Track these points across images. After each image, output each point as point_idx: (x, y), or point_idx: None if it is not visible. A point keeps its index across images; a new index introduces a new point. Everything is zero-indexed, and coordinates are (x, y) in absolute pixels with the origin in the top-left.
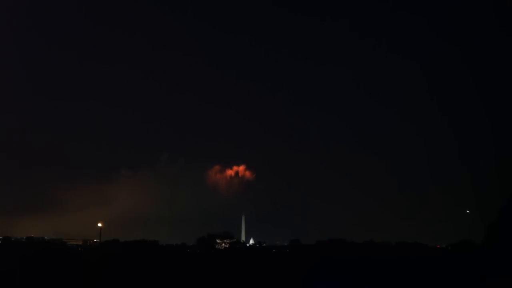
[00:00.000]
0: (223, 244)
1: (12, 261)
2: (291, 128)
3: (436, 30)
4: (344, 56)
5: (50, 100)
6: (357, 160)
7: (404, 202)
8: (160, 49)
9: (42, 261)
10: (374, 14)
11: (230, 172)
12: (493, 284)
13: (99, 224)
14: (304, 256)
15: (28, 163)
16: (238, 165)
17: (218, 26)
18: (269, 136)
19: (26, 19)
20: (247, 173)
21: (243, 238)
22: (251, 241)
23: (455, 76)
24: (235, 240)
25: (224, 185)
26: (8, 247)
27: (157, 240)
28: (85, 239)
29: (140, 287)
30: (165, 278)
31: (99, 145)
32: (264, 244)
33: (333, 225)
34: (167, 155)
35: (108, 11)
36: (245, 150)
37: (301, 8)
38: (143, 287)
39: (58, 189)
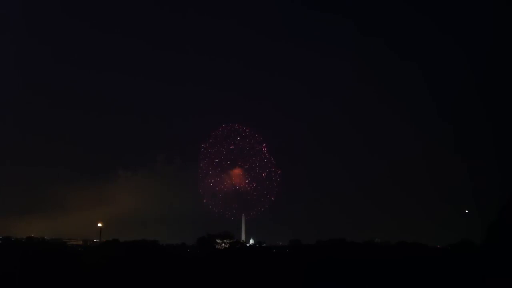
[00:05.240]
0: (223, 244)
1: (12, 261)
2: (289, 128)
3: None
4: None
5: (50, 100)
6: (356, 160)
7: (404, 202)
8: (158, 49)
9: (42, 261)
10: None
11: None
12: (493, 284)
13: (99, 224)
14: (304, 256)
15: (28, 163)
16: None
17: (225, 21)
18: (269, 136)
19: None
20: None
21: (243, 238)
22: (251, 241)
23: (455, 76)
24: (235, 240)
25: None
26: (8, 247)
27: (157, 240)
28: (85, 239)
29: (141, 287)
30: (166, 278)
31: (98, 145)
32: (264, 244)
33: (333, 225)
34: (164, 155)
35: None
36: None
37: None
38: (144, 287)
39: (58, 189)
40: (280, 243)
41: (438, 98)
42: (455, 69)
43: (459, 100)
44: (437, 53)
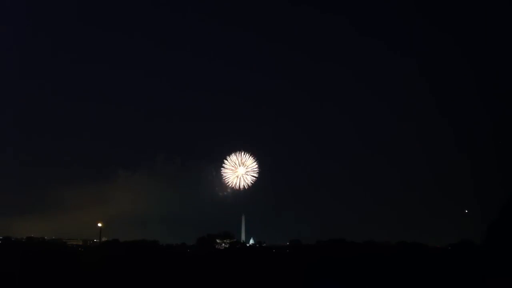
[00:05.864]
0: (223, 244)
1: (12, 261)
2: (289, 128)
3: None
4: (344, 54)
5: (49, 99)
6: (357, 160)
7: (404, 202)
8: (160, 47)
9: (42, 261)
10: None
11: (228, 172)
12: (493, 284)
13: (99, 224)
14: (304, 256)
15: (28, 163)
16: (238, 164)
17: (224, 23)
18: (268, 136)
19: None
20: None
21: (243, 238)
22: (251, 241)
23: (455, 74)
24: (235, 240)
25: (223, 185)
26: (8, 247)
27: (157, 240)
28: (85, 239)
29: (141, 287)
30: (166, 278)
31: (98, 145)
32: (264, 244)
33: (333, 225)
34: (164, 155)
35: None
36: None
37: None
38: (144, 287)
39: (58, 189)
40: (281, 243)
41: (440, 98)
42: (456, 68)
43: (461, 100)
44: (436, 52)
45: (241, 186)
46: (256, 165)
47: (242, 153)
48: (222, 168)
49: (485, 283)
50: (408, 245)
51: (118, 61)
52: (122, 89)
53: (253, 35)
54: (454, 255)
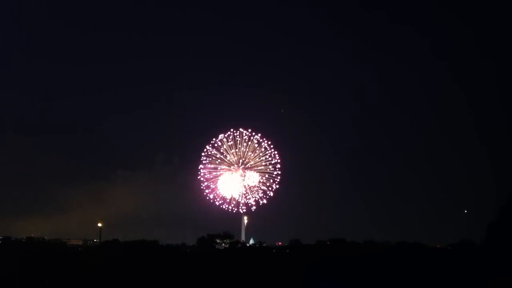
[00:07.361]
0: (223, 244)
1: (12, 261)
2: (289, 127)
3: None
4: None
5: (48, 98)
6: (357, 160)
7: (404, 202)
8: (159, 50)
9: (42, 261)
10: None
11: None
12: (493, 284)
13: (99, 224)
14: (304, 256)
15: (28, 163)
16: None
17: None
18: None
19: None
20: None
21: (243, 238)
22: (251, 241)
23: (458, 75)
24: (235, 240)
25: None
26: (8, 247)
27: (157, 240)
28: (85, 239)
29: (141, 287)
30: (166, 278)
31: (98, 145)
32: (264, 244)
33: (333, 225)
34: (163, 155)
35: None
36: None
37: None
38: (144, 287)
39: (58, 189)
40: (277, 242)
41: (440, 98)
42: (458, 67)
43: (460, 100)
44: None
45: (240, 201)
46: (277, 160)
47: (243, 134)
48: (201, 168)
49: (485, 283)
50: (408, 245)
51: (118, 61)
52: (121, 88)
53: (255, 30)
54: (454, 255)
